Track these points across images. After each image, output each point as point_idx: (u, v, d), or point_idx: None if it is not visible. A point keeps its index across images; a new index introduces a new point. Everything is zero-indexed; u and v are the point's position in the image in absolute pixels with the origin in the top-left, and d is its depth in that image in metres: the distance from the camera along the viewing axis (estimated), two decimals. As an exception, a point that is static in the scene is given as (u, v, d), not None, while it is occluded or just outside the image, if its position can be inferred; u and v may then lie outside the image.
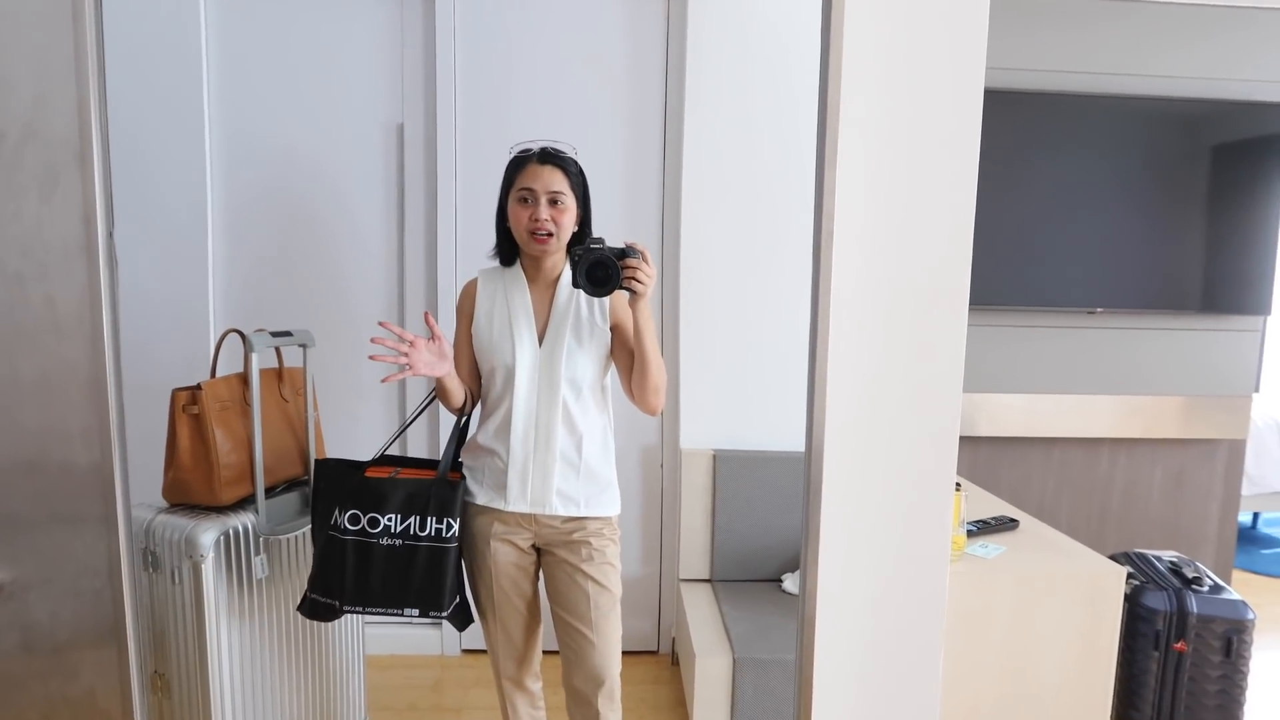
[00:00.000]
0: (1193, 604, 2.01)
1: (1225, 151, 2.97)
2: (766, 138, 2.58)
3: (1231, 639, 1.99)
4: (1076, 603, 1.73)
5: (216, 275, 2.62)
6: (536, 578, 1.74)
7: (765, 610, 2.37)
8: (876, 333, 1.08)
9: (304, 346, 1.95)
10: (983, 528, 1.95)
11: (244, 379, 1.81)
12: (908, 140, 1.06)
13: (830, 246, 1.06)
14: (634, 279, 1.51)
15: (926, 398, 1.10)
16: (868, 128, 1.05)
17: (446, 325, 1.73)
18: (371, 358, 1.54)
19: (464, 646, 2.80)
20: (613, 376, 1.71)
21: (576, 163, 1.64)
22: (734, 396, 2.66)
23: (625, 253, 1.52)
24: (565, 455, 1.64)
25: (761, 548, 2.61)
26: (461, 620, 1.70)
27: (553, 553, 1.68)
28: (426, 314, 1.61)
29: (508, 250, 1.70)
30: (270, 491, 1.84)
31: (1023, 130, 2.91)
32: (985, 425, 3.06)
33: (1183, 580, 2.07)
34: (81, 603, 0.95)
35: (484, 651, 1.87)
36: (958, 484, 1.88)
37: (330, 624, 2.02)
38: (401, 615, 1.62)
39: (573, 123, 2.62)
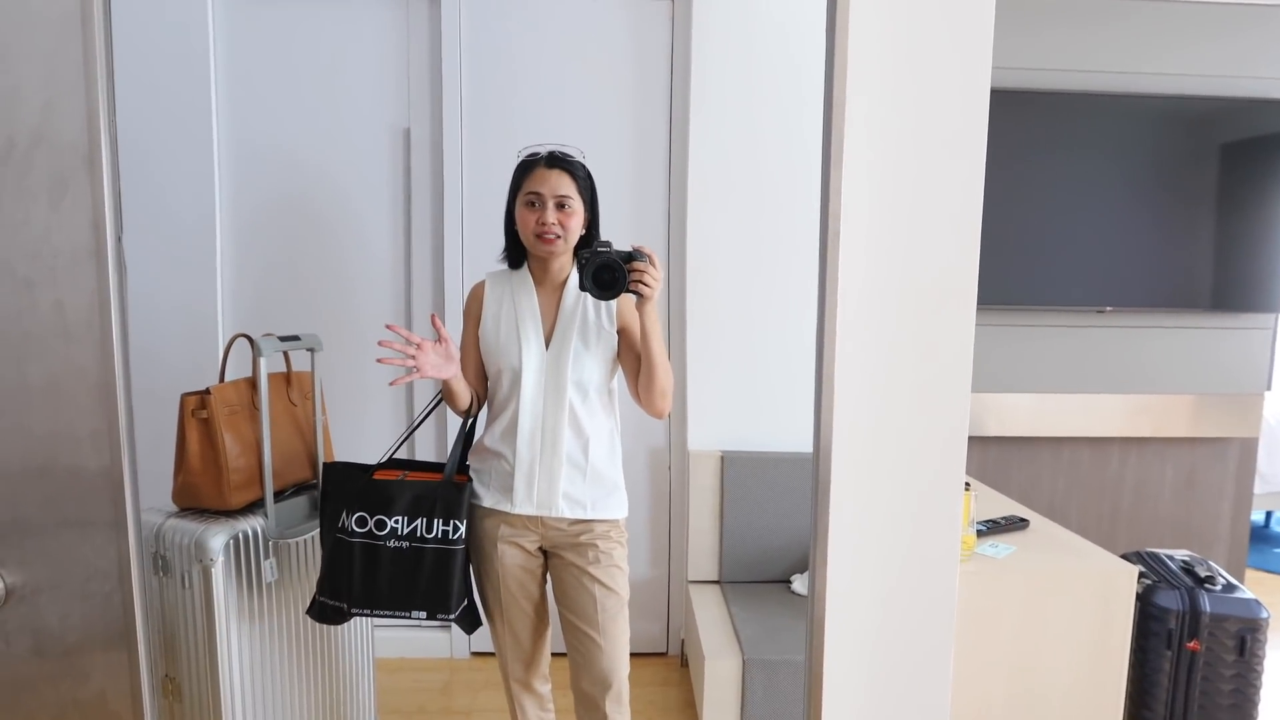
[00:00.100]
0: (1205, 603, 1.99)
1: (1234, 149, 2.95)
2: (772, 139, 2.58)
3: (1245, 638, 1.97)
4: (1088, 602, 1.72)
5: (225, 280, 2.64)
6: (544, 580, 1.73)
7: (774, 611, 2.37)
8: (884, 333, 1.08)
9: (312, 350, 1.96)
10: (992, 527, 1.94)
11: (252, 383, 1.82)
12: (914, 140, 1.05)
13: (837, 247, 1.05)
14: (641, 282, 1.51)
15: (935, 398, 1.10)
16: (874, 128, 1.04)
17: (453, 328, 1.73)
18: (379, 360, 1.54)
19: (473, 649, 2.80)
20: (619, 379, 1.71)
21: (584, 166, 1.64)
22: (741, 398, 2.66)
23: (632, 256, 1.52)
24: (571, 458, 1.63)
25: (770, 549, 2.60)
26: (470, 623, 1.69)
27: (560, 555, 1.67)
28: (433, 316, 1.61)
29: (515, 253, 1.70)
30: (279, 495, 1.85)
31: (1030, 129, 2.90)
32: (994, 425, 3.05)
33: (1195, 579, 2.05)
34: (92, 606, 0.95)
35: (493, 654, 1.86)
36: (967, 484, 1.87)
37: (340, 627, 2.02)
38: (409, 618, 1.62)
39: (578, 126, 2.63)
